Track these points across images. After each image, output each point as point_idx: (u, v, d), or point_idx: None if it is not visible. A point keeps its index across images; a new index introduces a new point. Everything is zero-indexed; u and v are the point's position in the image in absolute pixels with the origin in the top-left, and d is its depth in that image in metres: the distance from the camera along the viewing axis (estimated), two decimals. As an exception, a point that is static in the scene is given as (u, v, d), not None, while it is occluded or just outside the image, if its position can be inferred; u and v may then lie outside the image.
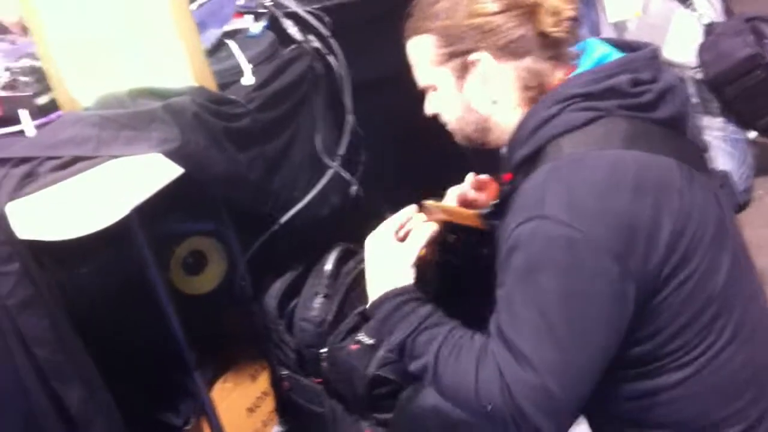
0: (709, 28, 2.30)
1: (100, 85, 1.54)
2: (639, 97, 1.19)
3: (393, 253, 1.32)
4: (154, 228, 1.68)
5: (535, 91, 1.24)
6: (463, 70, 1.25)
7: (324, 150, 1.89)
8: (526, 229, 1.13)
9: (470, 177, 1.48)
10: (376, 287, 1.31)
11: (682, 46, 2.38)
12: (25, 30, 2.24)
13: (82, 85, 1.54)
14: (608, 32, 2.41)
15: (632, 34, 2.35)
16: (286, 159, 1.78)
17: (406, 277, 1.29)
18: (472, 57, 1.23)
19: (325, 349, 1.81)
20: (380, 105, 1.98)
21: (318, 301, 1.86)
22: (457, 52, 1.25)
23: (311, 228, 1.91)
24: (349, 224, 1.91)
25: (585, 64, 1.26)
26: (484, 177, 1.48)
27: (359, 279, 1.85)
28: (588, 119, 1.17)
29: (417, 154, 2.06)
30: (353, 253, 1.97)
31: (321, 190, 1.89)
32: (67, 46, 1.51)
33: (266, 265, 1.92)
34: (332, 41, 1.85)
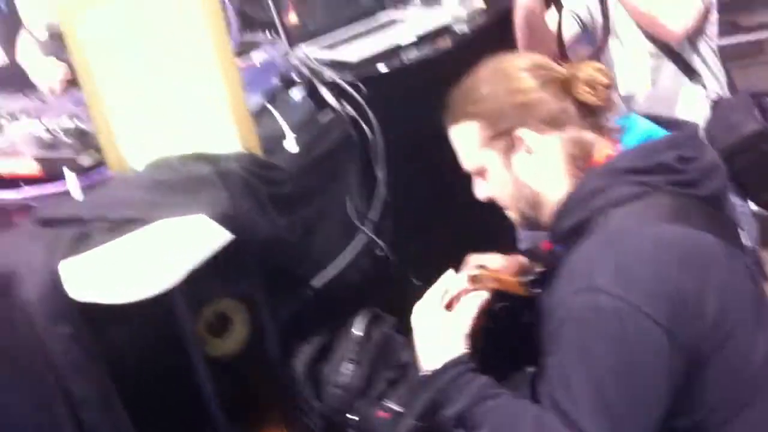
0: (716, 103, 2.36)
1: (150, 148, 1.56)
2: (685, 174, 1.23)
3: (446, 323, 1.34)
4: (185, 287, 1.68)
5: (582, 161, 1.28)
6: (510, 149, 1.30)
7: (356, 215, 1.92)
8: (577, 302, 1.15)
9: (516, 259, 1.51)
10: (430, 357, 1.32)
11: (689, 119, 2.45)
12: (53, 90, 2.28)
13: (133, 147, 1.56)
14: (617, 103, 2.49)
15: (641, 107, 2.42)
16: (320, 223, 1.81)
17: (460, 346, 1.31)
18: (516, 134, 1.27)
19: (354, 417, 1.80)
20: (411, 172, 2.01)
21: (347, 367, 1.86)
22: (502, 132, 1.29)
23: (340, 292, 1.92)
24: (378, 289, 1.93)
25: (631, 140, 1.30)
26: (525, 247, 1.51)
27: (388, 344, 1.86)
28: (636, 194, 1.21)
29: (446, 221, 2.09)
30: (382, 318, 1.98)
31: (352, 255, 1.90)
32: (122, 108, 1.54)
33: (294, 329, 1.92)
34: (368, 110, 1.88)
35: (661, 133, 1.31)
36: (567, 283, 1.19)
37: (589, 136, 1.30)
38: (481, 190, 1.37)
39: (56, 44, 1.71)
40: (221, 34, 1.53)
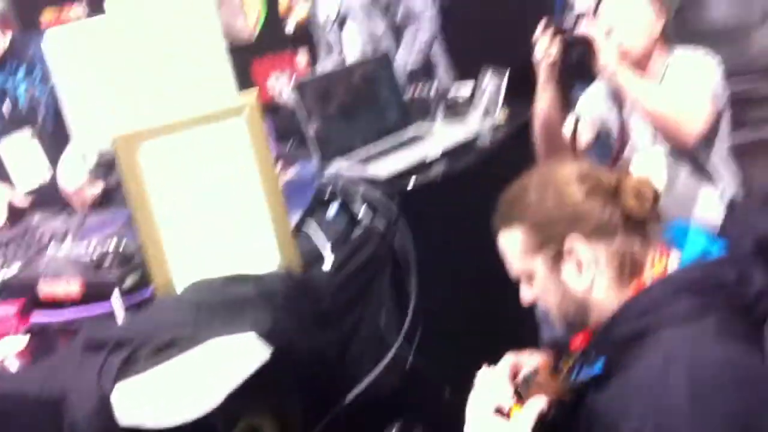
0: (732, 203, 2.39)
1: (195, 268, 1.61)
2: (743, 297, 1.24)
3: None
4: (222, 402, 1.70)
5: (630, 271, 1.30)
6: (558, 257, 1.32)
7: (387, 328, 1.94)
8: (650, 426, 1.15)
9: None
10: None
11: (706, 221, 2.47)
12: (84, 205, 2.35)
13: (179, 269, 1.61)
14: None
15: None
16: (355, 337, 1.83)
17: None
18: (565, 243, 1.30)
19: None
20: (442, 283, 2.04)
21: (381, 480, 1.85)
22: (550, 240, 1.32)
23: (372, 404, 1.93)
24: (410, 400, 1.94)
25: (689, 254, 1.32)
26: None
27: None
28: (696, 312, 1.21)
29: (476, 329, 2.11)
30: (412, 428, 1.98)
31: (384, 367, 1.92)
32: (170, 230, 1.59)
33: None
34: (398, 224, 1.93)
35: (718, 247, 1.32)
36: (636, 403, 1.18)
37: (637, 247, 1.31)
38: (527, 295, 1.39)
39: (103, 170, 1.78)
40: (266, 158, 1.61)
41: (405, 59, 3.19)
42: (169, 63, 1.77)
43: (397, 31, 3.23)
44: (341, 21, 3.20)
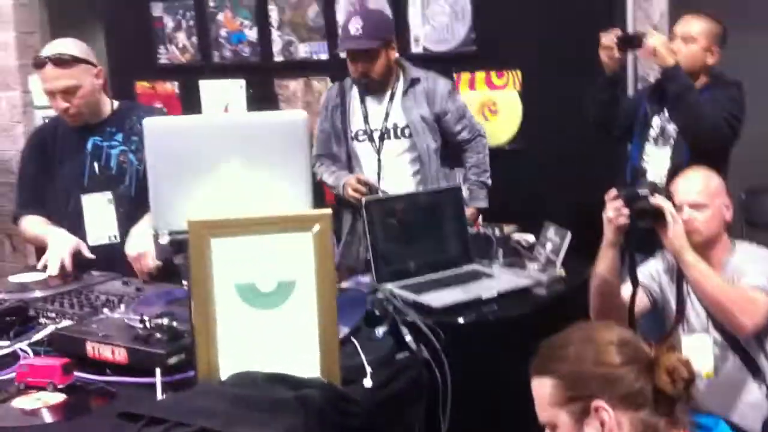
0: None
1: (240, 361, 1.64)
2: None
3: None
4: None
5: None
6: (583, 414, 1.33)
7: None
8: None
9: None
10: None
11: (744, 420, 2.44)
12: (143, 275, 2.42)
13: (225, 359, 1.64)
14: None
15: (701, 395, 2.42)
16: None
17: None
18: (593, 403, 1.31)
19: None
20: (474, 421, 2.04)
21: None
22: (579, 396, 1.34)
23: None
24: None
25: None
26: None
27: None
28: None
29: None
30: None
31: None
32: (224, 320, 1.64)
33: None
34: (443, 356, 1.94)
35: None
36: None
37: (662, 424, 1.32)
38: None
39: (172, 250, 1.85)
40: (327, 272, 1.66)
41: (483, 199, 3.23)
42: (254, 167, 1.86)
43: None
44: (382, 135, 3.21)
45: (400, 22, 4.06)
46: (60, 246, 2.50)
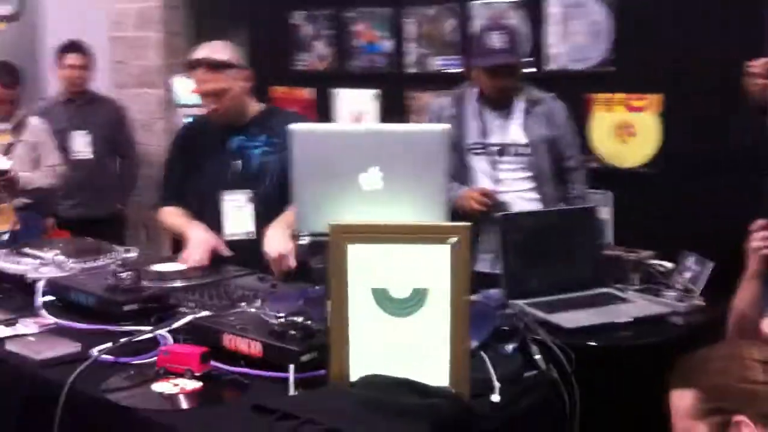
0: None
1: (370, 362, 1.67)
2: None
3: None
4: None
5: None
6: (722, 428, 1.34)
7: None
8: None
9: None
10: None
11: None
12: (280, 273, 2.48)
13: (356, 360, 1.67)
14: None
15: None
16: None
17: None
18: (734, 418, 1.30)
19: None
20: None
21: None
22: (720, 411, 1.34)
23: None
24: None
25: None
26: None
27: None
28: None
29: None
30: None
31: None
32: (358, 323, 1.67)
33: None
34: (572, 377, 1.91)
35: None
36: None
37: None
38: None
39: (311, 251, 1.89)
40: (462, 286, 1.67)
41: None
42: (394, 176, 1.90)
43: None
44: (501, 151, 3.19)
45: (537, 39, 4.04)
46: (200, 243, 2.60)
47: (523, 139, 3.15)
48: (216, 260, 2.60)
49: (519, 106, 3.18)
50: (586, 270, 2.42)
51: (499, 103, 3.18)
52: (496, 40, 3.05)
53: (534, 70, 4.05)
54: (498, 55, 3.06)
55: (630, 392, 2.02)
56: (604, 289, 2.39)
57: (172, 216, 2.84)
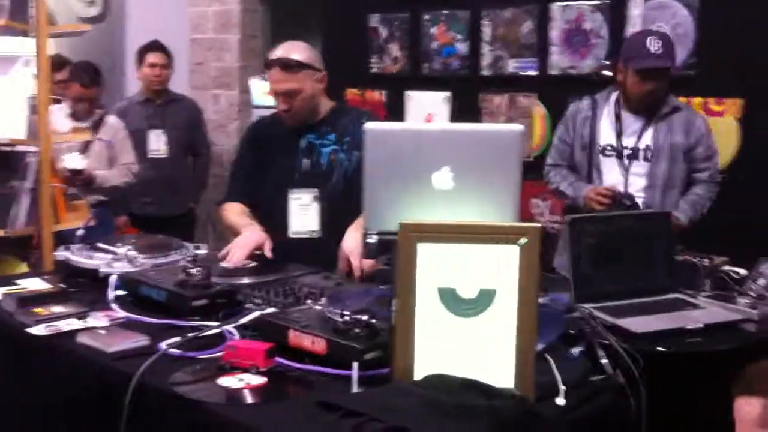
0: None
1: (435, 362, 1.66)
2: None
3: None
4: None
5: None
6: None
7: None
8: None
9: None
10: None
11: None
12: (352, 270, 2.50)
13: (421, 359, 1.66)
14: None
15: None
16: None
17: None
18: None
19: None
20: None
21: None
22: None
23: None
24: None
25: None
26: None
27: None
28: None
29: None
30: None
31: None
32: (424, 321, 1.66)
33: None
34: (640, 383, 1.87)
35: None
36: None
37: None
38: None
39: (379, 249, 1.89)
40: (531, 287, 1.65)
41: (687, 215, 3.14)
42: (466, 176, 1.88)
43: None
44: (633, 154, 3.21)
45: (619, 41, 3.98)
46: (244, 243, 2.63)
47: (657, 145, 3.19)
48: (280, 257, 2.62)
49: (660, 112, 3.21)
50: (657, 275, 2.36)
51: (642, 107, 3.22)
52: (652, 44, 3.09)
53: (611, 74, 4.00)
54: (654, 58, 3.10)
55: (699, 399, 1.96)
56: (675, 295, 2.34)
57: (233, 213, 2.88)
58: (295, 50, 2.75)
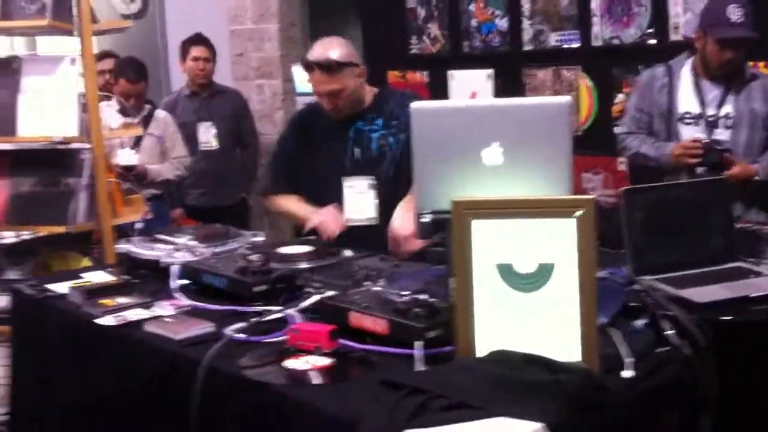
0: None
1: (496, 338, 1.66)
2: None
3: None
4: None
5: None
6: None
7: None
8: None
9: None
10: None
11: None
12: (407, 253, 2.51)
13: (483, 336, 1.67)
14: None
15: None
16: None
17: None
18: None
19: None
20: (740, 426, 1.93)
21: None
22: None
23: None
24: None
25: None
26: None
27: None
28: None
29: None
30: None
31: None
32: (483, 299, 1.67)
33: None
34: (707, 353, 1.85)
35: None
36: None
37: None
38: None
39: (434, 228, 1.90)
40: (590, 260, 1.64)
41: (765, 168, 3.13)
42: (516, 151, 1.88)
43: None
44: (714, 122, 3.22)
45: (661, 9, 3.93)
46: (331, 215, 2.66)
47: (737, 112, 3.19)
48: (338, 242, 2.65)
49: (739, 79, 3.22)
50: (718, 244, 2.33)
51: (721, 75, 3.22)
52: (734, 13, 3.08)
53: (654, 42, 3.95)
54: (736, 28, 3.09)
55: (766, 367, 1.95)
56: (736, 264, 2.30)
57: (290, 202, 2.90)
58: (333, 49, 2.75)
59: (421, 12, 4.90)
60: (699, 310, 1.97)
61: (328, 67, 2.70)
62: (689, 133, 3.27)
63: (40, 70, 3.49)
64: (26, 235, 3.65)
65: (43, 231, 3.48)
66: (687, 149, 3.15)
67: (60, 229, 3.37)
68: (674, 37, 3.96)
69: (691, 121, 3.27)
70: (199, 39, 5.00)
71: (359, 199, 2.78)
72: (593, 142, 4.26)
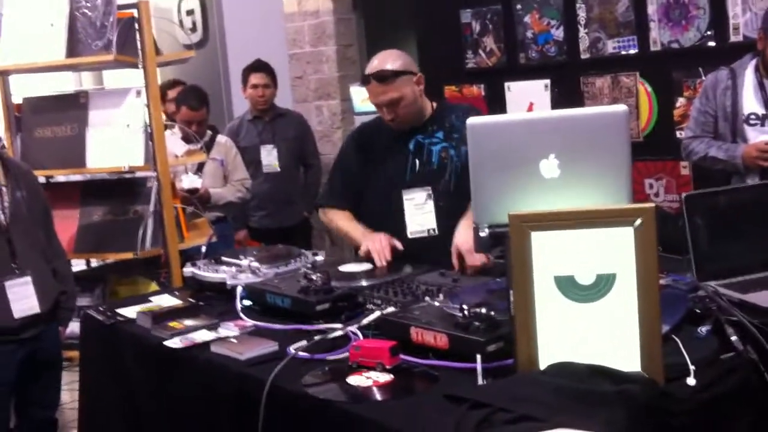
0: None
1: (558, 351, 1.66)
2: None
3: None
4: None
5: None
6: None
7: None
8: None
9: None
10: None
11: None
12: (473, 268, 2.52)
13: (544, 348, 1.67)
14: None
15: None
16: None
17: None
18: None
19: None
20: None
21: None
22: None
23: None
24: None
25: None
26: None
27: None
28: None
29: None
30: None
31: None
32: (543, 311, 1.67)
33: None
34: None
35: None
36: None
37: None
38: None
39: (493, 242, 1.91)
40: (651, 268, 1.63)
41: None
42: (574, 162, 1.88)
43: None
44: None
45: (720, 10, 3.87)
46: (381, 242, 2.68)
47: None
48: (398, 258, 2.66)
49: None
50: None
51: None
52: None
53: (714, 44, 3.90)
54: None
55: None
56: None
57: (343, 219, 2.93)
58: (388, 60, 2.78)
59: (476, 26, 4.91)
60: (764, 314, 1.93)
61: (384, 77, 2.73)
62: (755, 134, 3.24)
63: (107, 104, 3.61)
64: (95, 262, 3.76)
65: (112, 258, 3.59)
66: (761, 151, 3.13)
67: (128, 255, 3.47)
68: (734, 38, 3.90)
69: (756, 122, 3.24)
70: (258, 66, 5.09)
71: (419, 211, 2.79)
72: (655, 148, 4.21)
